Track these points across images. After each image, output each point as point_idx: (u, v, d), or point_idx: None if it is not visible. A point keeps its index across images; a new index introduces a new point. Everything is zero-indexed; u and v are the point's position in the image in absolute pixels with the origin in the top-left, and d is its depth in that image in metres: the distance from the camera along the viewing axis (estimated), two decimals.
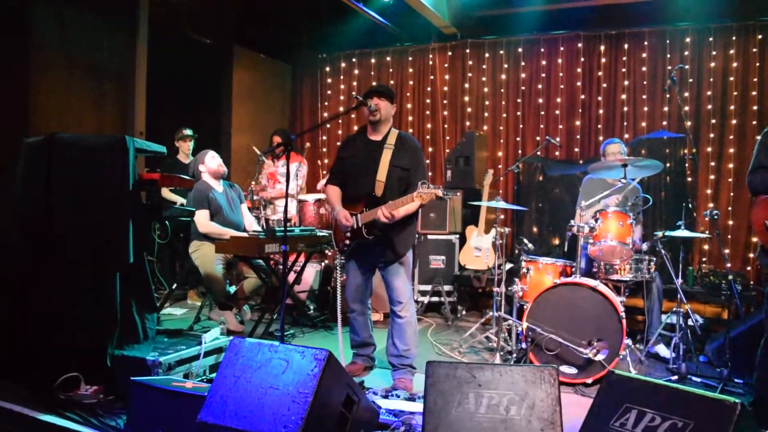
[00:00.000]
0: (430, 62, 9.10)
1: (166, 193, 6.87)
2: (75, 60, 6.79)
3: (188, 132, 7.34)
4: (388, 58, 9.39)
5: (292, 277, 5.97)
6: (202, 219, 5.52)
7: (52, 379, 3.65)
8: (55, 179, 4.07)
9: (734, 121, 7.43)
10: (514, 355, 4.95)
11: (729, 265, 7.01)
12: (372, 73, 9.49)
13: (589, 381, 4.42)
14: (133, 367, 3.70)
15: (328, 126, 9.76)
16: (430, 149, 9.05)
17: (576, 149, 8.20)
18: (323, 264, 6.70)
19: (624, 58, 7.98)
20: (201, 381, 3.86)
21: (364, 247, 4.30)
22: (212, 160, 5.81)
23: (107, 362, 3.78)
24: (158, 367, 3.70)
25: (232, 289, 5.77)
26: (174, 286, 6.26)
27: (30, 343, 3.96)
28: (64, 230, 4.01)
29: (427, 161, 8.94)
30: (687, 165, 7.27)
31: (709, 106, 7.50)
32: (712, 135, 7.52)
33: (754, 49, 7.36)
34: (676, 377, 4.55)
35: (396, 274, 4.30)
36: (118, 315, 3.88)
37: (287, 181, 3.80)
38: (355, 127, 9.11)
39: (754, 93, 7.34)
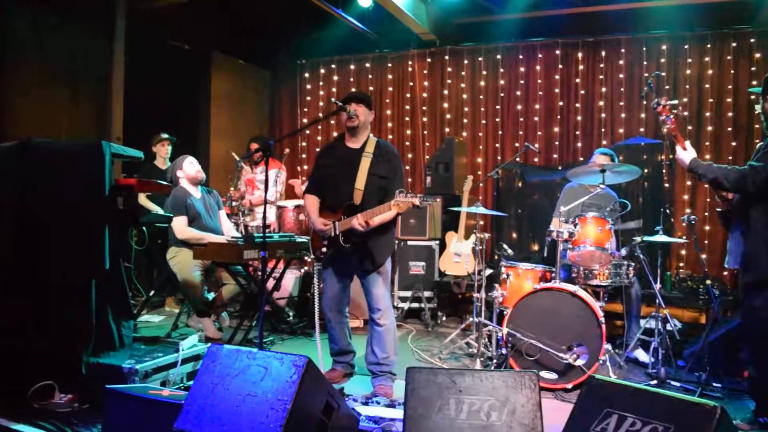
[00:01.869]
0: (410, 69, 9.11)
1: (143, 200, 6.80)
2: (51, 65, 6.73)
3: (166, 135, 7.27)
4: (368, 65, 9.38)
5: (271, 283, 5.92)
6: (179, 225, 5.46)
7: (26, 387, 3.58)
8: (29, 185, 4.00)
9: (710, 128, 7.51)
10: (495, 360, 4.95)
11: (706, 270, 7.08)
12: (351, 79, 9.47)
13: (569, 386, 4.43)
14: (109, 374, 3.65)
15: (308, 132, 9.73)
16: (409, 155, 9.05)
17: (555, 155, 8.25)
18: (302, 270, 6.67)
19: (601, 65, 8.04)
20: (178, 389, 3.81)
21: (342, 255, 4.27)
22: (190, 166, 5.75)
23: (82, 370, 3.73)
24: (134, 375, 3.65)
25: (211, 295, 5.71)
26: (151, 293, 6.19)
27: (2, 351, 3.87)
28: (38, 236, 3.94)
29: (407, 167, 8.94)
30: (664, 171, 7.34)
31: (686, 113, 7.58)
32: (688, 141, 7.54)
33: (729, 57, 7.46)
34: (655, 382, 4.58)
35: (375, 282, 4.28)
36: (93, 322, 3.82)
37: (266, 187, 3.78)
38: (335, 133, 9.09)
39: (729, 100, 7.44)
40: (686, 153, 4.00)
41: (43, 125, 6.57)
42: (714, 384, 4.52)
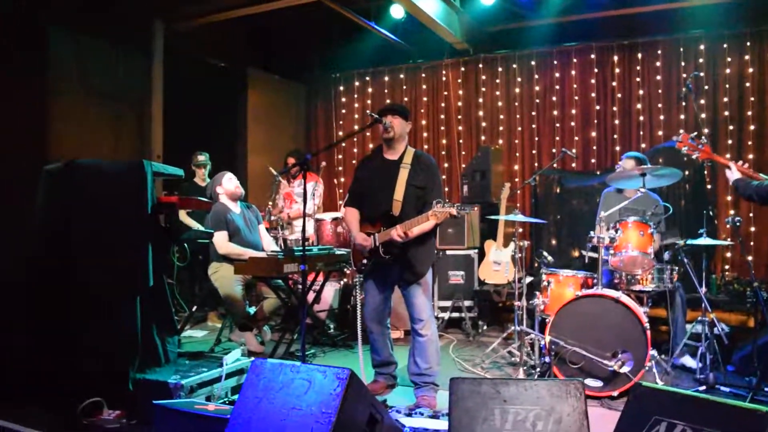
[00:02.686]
0: (444, 78, 9.12)
1: (183, 217, 6.87)
2: (91, 85, 6.90)
3: (203, 158, 7.39)
4: (402, 76, 9.42)
5: (311, 296, 5.95)
6: (220, 240, 5.53)
7: (75, 403, 3.66)
8: (75, 205, 4.11)
9: (752, 127, 7.36)
10: (538, 369, 4.89)
11: (753, 272, 6.92)
12: (386, 90, 9.52)
13: (615, 394, 4.36)
14: (155, 390, 3.70)
15: (344, 145, 9.79)
16: (445, 165, 9.04)
17: (593, 160, 8.16)
18: (342, 282, 6.69)
19: (638, 68, 7.94)
20: (223, 403, 3.86)
21: (383, 267, 4.28)
22: (229, 182, 5.83)
23: (129, 386, 3.79)
24: (180, 390, 3.70)
25: (252, 310, 5.77)
26: (194, 309, 6.27)
27: (53, 368, 3.97)
28: (84, 255, 4.04)
29: (443, 177, 8.92)
30: (706, 172, 7.20)
31: (726, 113, 7.44)
32: (730, 141, 7.45)
33: None
34: (704, 387, 4.47)
35: (416, 293, 4.27)
36: (139, 339, 3.89)
37: (304, 200, 3.81)
38: (371, 145, 9.14)
39: None
40: (731, 173, 4.30)
41: (85, 146, 6.73)
42: (765, 388, 4.40)
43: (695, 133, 4.31)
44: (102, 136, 7.08)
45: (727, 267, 7.34)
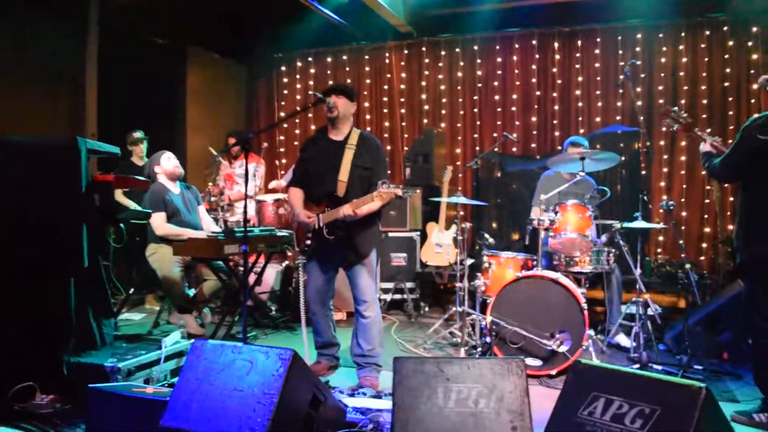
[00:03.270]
0: (387, 61, 9.08)
1: (120, 197, 6.67)
2: (24, 61, 6.60)
3: (138, 135, 7.18)
4: (345, 57, 9.34)
5: (252, 278, 5.88)
6: (158, 221, 5.40)
7: (6, 389, 3.52)
8: (5, 182, 3.93)
9: (684, 114, 7.55)
10: (479, 349, 4.97)
11: (684, 254, 7.17)
12: (328, 72, 9.43)
13: (554, 372, 4.46)
14: (91, 374, 3.59)
15: (285, 125, 9.66)
16: (388, 147, 9.02)
17: (533, 145, 8.28)
18: (284, 264, 6.63)
19: (577, 55, 8.08)
20: (162, 386, 3.77)
21: (326, 248, 4.26)
22: (168, 162, 5.69)
23: (63, 370, 3.67)
24: (117, 373, 3.60)
25: (192, 291, 5.67)
26: (131, 291, 6.13)
27: None
28: (15, 235, 3.87)
29: (387, 159, 8.91)
30: (641, 158, 7.38)
31: (661, 100, 7.64)
32: (664, 129, 7.65)
33: (702, 45, 7.53)
34: (637, 366, 4.62)
35: (360, 274, 4.27)
36: (73, 321, 3.76)
37: (246, 181, 3.75)
38: (313, 127, 9.07)
39: (703, 87, 7.51)
40: (703, 146, 4.23)
41: (18, 122, 6.45)
42: (695, 366, 4.58)
43: (676, 107, 4.43)
44: (36, 112, 6.80)
45: (659, 250, 7.59)
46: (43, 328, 3.77)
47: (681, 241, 7.20)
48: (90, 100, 7.18)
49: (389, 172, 8.71)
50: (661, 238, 7.61)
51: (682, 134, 4.42)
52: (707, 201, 7.45)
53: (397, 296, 6.83)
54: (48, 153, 3.99)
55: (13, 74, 6.50)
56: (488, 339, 4.73)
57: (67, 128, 7.02)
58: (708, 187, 7.40)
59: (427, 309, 6.82)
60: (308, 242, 4.28)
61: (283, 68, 9.71)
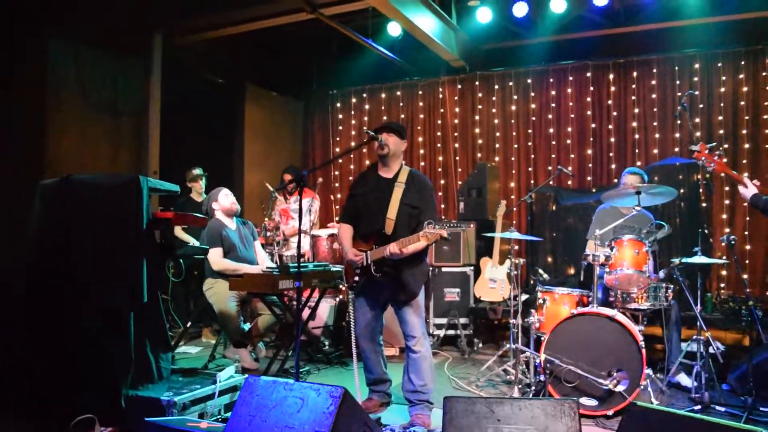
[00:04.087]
0: (440, 95, 9.16)
1: (179, 232, 6.90)
2: (90, 99, 6.91)
3: (197, 171, 7.38)
4: (398, 93, 9.46)
5: (306, 313, 5.93)
6: (215, 257, 5.52)
7: (67, 419, 3.63)
8: (71, 220, 4.10)
9: (747, 145, 7.40)
10: (533, 387, 4.87)
11: (748, 290, 6.92)
12: (382, 107, 9.56)
13: (610, 413, 4.34)
14: (148, 407, 3.68)
15: (340, 161, 9.81)
16: (442, 182, 9.06)
17: (588, 178, 8.20)
18: (337, 299, 6.67)
19: (633, 86, 8.01)
20: (216, 420, 3.83)
21: (375, 284, 4.27)
22: (225, 198, 5.83)
23: (122, 403, 3.76)
24: (173, 407, 3.67)
25: (247, 326, 5.75)
26: (188, 325, 6.24)
27: (45, 383, 3.94)
28: (78, 270, 4.02)
29: (440, 194, 8.97)
30: (701, 191, 7.23)
31: (721, 131, 7.48)
32: (725, 159, 7.45)
33: (764, 73, 7.38)
34: (699, 407, 4.45)
35: (409, 309, 4.26)
36: (132, 355, 3.86)
37: (300, 217, 3.81)
38: (367, 162, 9.16)
39: (765, 117, 7.33)
40: (747, 190, 4.07)
41: (84, 160, 6.74)
42: (761, 408, 4.38)
43: (713, 143, 4.31)
44: (100, 150, 7.10)
45: (722, 285, 7.36)
46: (103, 362, 3.88)
47: (745, 276, 7.02)
48: (153, 139, 7.45)
49: (443, 206, 8.82)
50: (724, 272, 7.38)
51: (719, 173, 4.27)
52: None
53: (451, 332, 6.77)
54: (112, 191, 4.15)
55: (78, 112, 6.80)
56: (542, 377, 4.64)
57: (131, 165, 7.29)
58: None
59: (480, 345, 6.74)
60: (357, 279, 4.31)
61: (338, 104, 9.89)
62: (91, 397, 3.79)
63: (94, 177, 4.38)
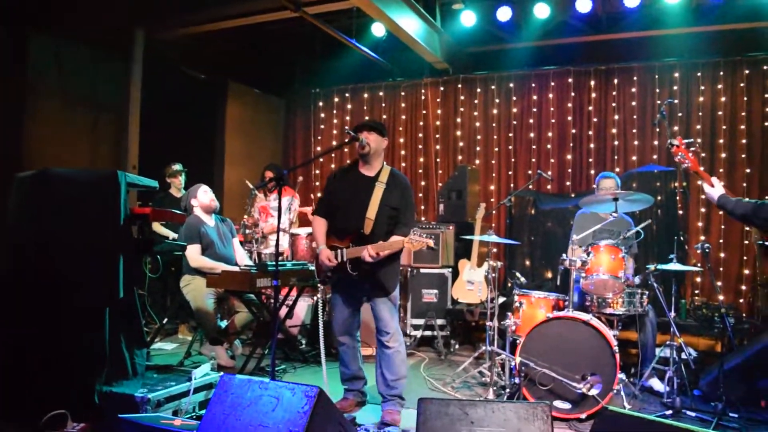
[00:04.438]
0: (423, 97, 9.19)
1: (158, 227, 6.85)
2: (69, 93, 6.85)
3: (177, 167, 7.33)
4: (381, 93, 9.47)
5: (283, 311, 5.92)
6: (193, 253, 5.50)
7: (39, 416, 3.59)
8: (47, 214, 4.06)
9: (723, 155, 7.50)
10: (508, 390, 4.91)
11: (722, 297, 7.03)
12: (365, 107, 9.56)
13: (583, 416, 4.38)
14: (122, 403, 3.66)
15: (321, 160, 9.80)
16: (422, 183, 9.09)
17: (567, 183, 8.26)
18: (315, 298, 6.66)
19: (614, 93, 8.08)
20: (190, 418, 3.81)
21: (351, 281, 4.29)
22: (204, 195, 5.80)
23: (95, 399, 3.73)
24: (147, 404, 3.66)
25: (224, 323, 5.72)
26: (165, 321, 6.21)
27: (15, 379, 3.89)
28: (54, 265, 3.99)
29: (420, 195, 8.99)
30: (678, 198, 7.31)
31: (699, 140, 7.57)
32: (701, 168, 7.55)
33: (742, 84, 7.47)
34: (670, 412, 4.51)
35: (383, 306, 4.30)
36: (106, 351, 3.84)
37: (279, 215, 3.81)
38: (348, 161, 9.15)
39: (742, 127, 7.44)
40: (714, 189, 4.05)
41: (62, 154, 6.68)
42: (731, 414, 4.44)
43: (690, 140, 4.32)
44: (78, 145, 7.04)
45: (696, 292, 7.43)
46: (76, 357, 3.85)
47: (719, 283, 7.12)
48: (132, 133, 7.40)
49: (422, 207, 8.83)
50: (698, 279, 7.46)
51: (691, 171, 4.28)
52: (746, 242, 7.30)
53: (428, 333, 6.80)
54: (90, 185, 4.12)
55: (56, 106, 6.73)
56: (517, 380, 4.67)
57: (110, 160, 7.23)
58: (747, 229, 7.26)
59: (457, 346, 6.77)
60: (329, 274, 4.32)
61: (321, 103, 9.88)
62: (64, 392, 3.76)
63: (71, 171, 4.34)
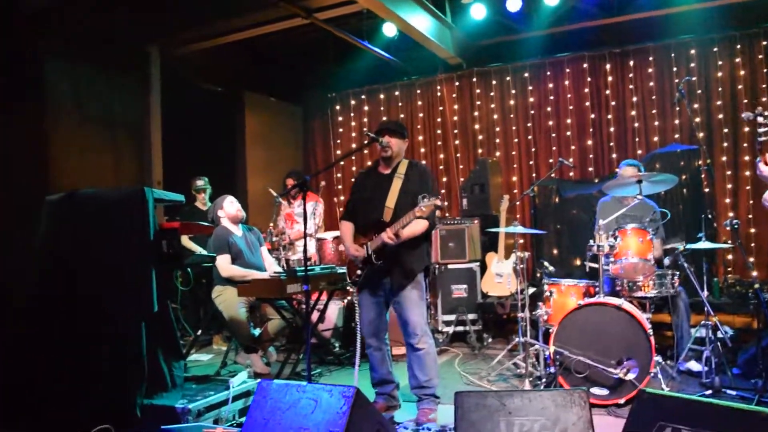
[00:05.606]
0: (438, 93, 9.19)
1: (186, 241, 6.94)
2: (90, 114, 6.97)
3: (201, 183, 7.40)
4: (397, 93, 9.50)
5: (315, 316, 5.97)
6: (223, 263, 5.56)
7: (84, 430, 3.66)
8: (77, 234, 4.14)
9: (746, 129, 7.41)
10: (544, 380, 4.90)
11: (755, 273, 6.93)
12: (381, 108, 9.60)
13: (622, 401, 4.36)
14: (163, 415, 3.71)
15: (342, 164, 9.85)
16: (444, 179, 9.09)
17: (590, 168, 8.22)
18: (345, 301, 6.70)
19: (630, 75, 8.02)
20: (231, 426, 3.87)
21: (376, 277, 4.29)
22: (231, 206, 5.87)
23: (137, 412, 3.79)
24: (188, 414, 3.71)
25: (257, 331, 5.78)
26: (199, 332, 6.28)
27: (60, 396, 3.98)
28: (88, 283, 4.06)
29: (443, 191, 8.99)
30: (703, 176, 7.23)
31: (720, 116, 7.50)
32: (725, 144, 7.50)
33: (760, 56, 7.37)
34: (710, 391, 4.48)
35: (408, 305, 4.23)
36: (145, 364, 3.90)
37: (305, 221, 3.84)
38: (369, 163, 9.19)
39: (764, 99, 7.33)
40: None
41: (87, 174, 6.78)
42: None
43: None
44: (103, 164, 7.14)
45: (729, 269, 7.36)
46: (116, 372, 3.92)
47: (751, 259, 7.03)
48: (155, 150, 7.51)
49: (446, 203, 8.82)
50: (730, 257, 7.38)
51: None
52: None
53: (460, 328, 6.80)
54: (118, 203, 4.18)
55: (77, 126, 6.85)
56: (552, 369, 4.66)
57: (134, 177, 7.34)
58: None
59: (490, 340, 6.77)
60: (359, 272, 4.33)
61: (338, 107, 9.93)
62: (106, 407, 3.83)
63: (98, 191, 4.42)
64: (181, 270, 6.18)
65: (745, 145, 7.37)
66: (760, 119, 3.67)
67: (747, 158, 7.30)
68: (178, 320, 5.86)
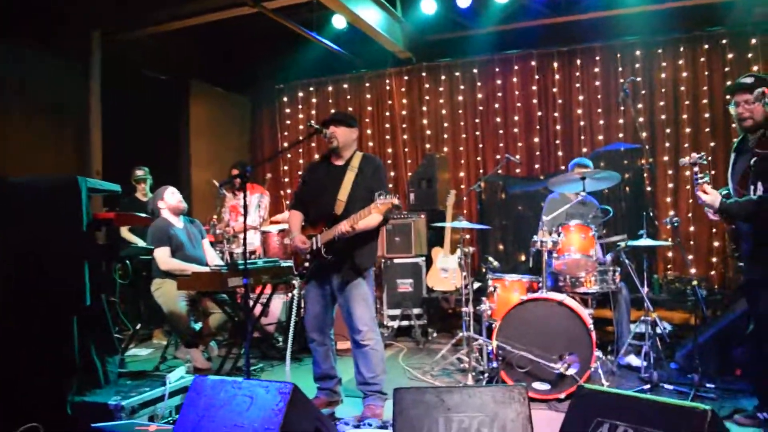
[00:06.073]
0: (387, 87, 9.15)
1: (125, 233, 6.75)
2: (29, 99, 6.70)
3: (141, 174, 7.20)
4: (345, 85, 9.42)
5: (258, 309, 5.86)
6: (162, 256, 5.41)
7: (10, 429, 3.51)
8: (6, 222, 3.95)
9: (688, 130, 7.58)
10: (486, 374, 4.91)
11: (693, 270, 7.11)
12: (330, 100, 9.50)
13: (562, 396, 4.40)
14: (95, 412, 3.58)
15: (289, 155, 9.73)
16: (392, 173, 9.06)
17: (536, 165, 8.29)
18: (290, 295, 6.61)
19: (577, 74, 8.11)
20: (167, 423, 3.75)
21: (324, 271, 4.23)
22: (172, 197, 5.71)
23: (67, 409, 3.65)
24: (121, 411, 3.58)
25: (198, 325, 5.65)
26: (138, 326, 6.12)
27: None
28: (17, 275, 3.89)
29: (390, 185, 8.95)
30: (645, 175, 7.38)
31: (663, 116, 7.65)
32: (667, 144, 7.66)
33: (702, 59, 7.55)
34: (648, 386, 4.55)
35: (355, 300, 4.18)
36: (76, 360, 3.75)
37: (245, 212, 3.76)
38: (316, 156, 9.10)
39: (704, 101, 7.51)
40: (711, 197, 3.77)
41: (26, 161, 6.53)
42: (707, 385, 4.51)
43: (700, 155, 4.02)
44: (41, 151, 6.88)
45: (668, 266, 7.52)
46: (46, 368, 3.76)
47: (690, 257, 7.20)
48: (94, 137, 7.27)
49: (398, 198, 8.76)
50: (670, 254, 7.55)
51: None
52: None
53: (405, 323, 6.79)
54: (50, 192, 4.01)
55: (16, 111, 6.59)
56: (495, 364, 4.68)
57: (72, 165, 7.10)
58: None
59: (435, 335, 6.78)
60: (306, 264, 4.26)
61: (285, 99, 9.80)
62: (35, 405, 3.67)
63: (30, 178, 4.23)
64: (118, 262, 5.99)
65: (686, 145, 7.53)
66: (696, 169, 3.83)
67: (687, 159, 7.44)
68: (116, 314, 5.69)
